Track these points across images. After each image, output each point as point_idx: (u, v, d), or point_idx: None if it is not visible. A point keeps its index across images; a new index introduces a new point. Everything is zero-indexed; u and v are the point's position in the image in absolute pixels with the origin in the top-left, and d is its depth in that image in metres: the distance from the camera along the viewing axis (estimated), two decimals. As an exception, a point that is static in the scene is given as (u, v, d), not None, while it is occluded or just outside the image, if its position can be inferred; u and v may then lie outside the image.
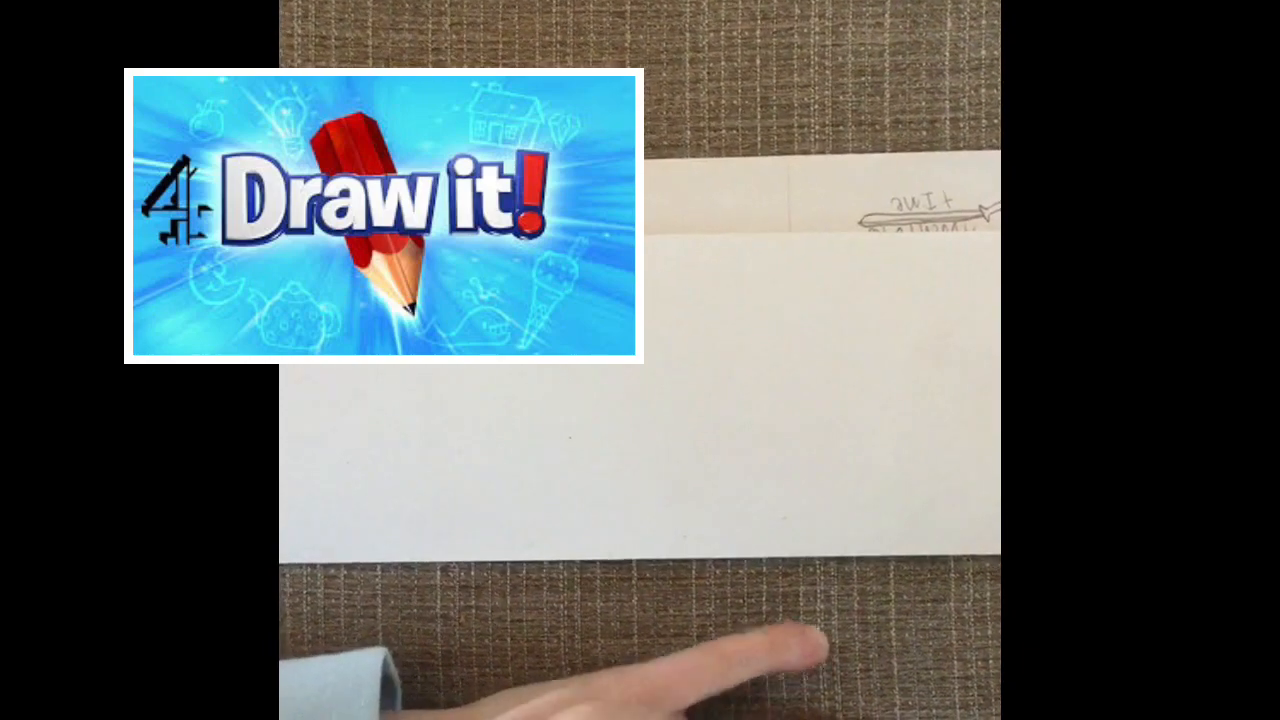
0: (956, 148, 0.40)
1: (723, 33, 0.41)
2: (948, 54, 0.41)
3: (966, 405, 0.39)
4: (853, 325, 0.40)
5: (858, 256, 0.40)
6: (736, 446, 0.40)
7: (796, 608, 0.41)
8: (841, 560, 0.41)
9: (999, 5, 0.40)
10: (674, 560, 0.41)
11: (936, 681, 0.40)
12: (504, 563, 0.41)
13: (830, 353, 0.40)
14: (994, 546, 0.40)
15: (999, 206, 0.40)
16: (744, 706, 0.40)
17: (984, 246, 0.40)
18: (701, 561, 0.41)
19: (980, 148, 0.40)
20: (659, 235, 0.40)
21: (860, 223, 0.40)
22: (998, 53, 0.40)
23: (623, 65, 0.41)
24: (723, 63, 0.41)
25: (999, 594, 0.40)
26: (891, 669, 0.41)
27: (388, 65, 0.41)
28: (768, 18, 0.41)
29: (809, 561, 0.41)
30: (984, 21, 0.40)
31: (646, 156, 0.40)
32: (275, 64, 0.40)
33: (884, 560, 0.40)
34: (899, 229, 0.40)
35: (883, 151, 0.40)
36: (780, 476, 0.40)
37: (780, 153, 0.41)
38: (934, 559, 0.40)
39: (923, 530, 0.40)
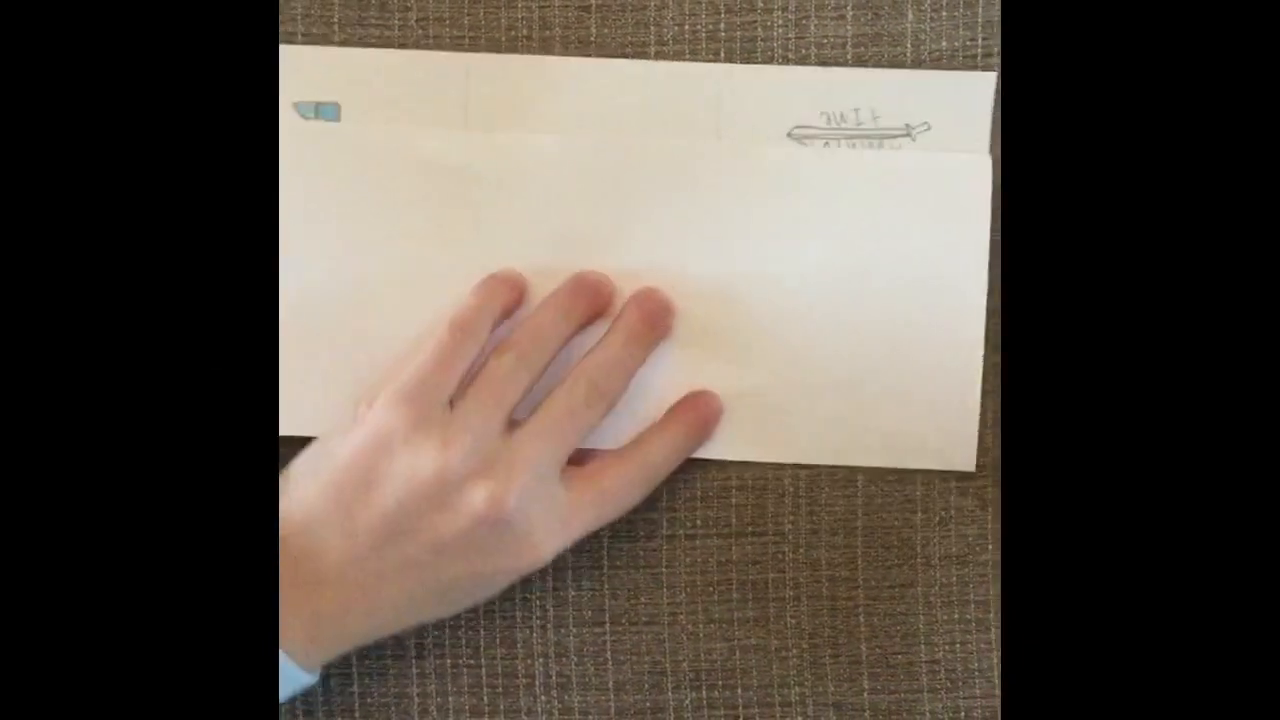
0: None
1: (687, 26, 0.41)
2: (909, 46, 0.41)
3: (897, 326, 0.40)
4: (780, 233, 0.41)
5: (785, 168, 0.41)
6: (672, 357, 0.41)
7: (766, 594, 0.41)
8: (810, 547, 0.41)
9: (960, -3, 0.41)
10: (645, 549, 0.41)
11: (904, 666, 0.41)
12: (476, 554, 0.41)
13: (765, 257, 0.41)
14: (963, 463, 0.41)
15: (927, 126, 0.40)
16: (716, 695, 0.41)
17: (912, 166, 0.40)
18: (672, 550, 0.41)
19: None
20: (586, 133, 0.41)
21: (789, 135, 0.41)
22: (959, 44, 0.41)
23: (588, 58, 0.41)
24: (687, 55, 0.41)
25: (966, 578, 0.41)
26: (860, 654, 0.41)
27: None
28: (731, 11, 0.41)
29: (778, 550, 0.41)
30: (944, 14, 0.41)
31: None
32: (275, 58, 0.40)
33: (852, 547, 0.41)
34: (825, 143, 0.41)
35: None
36: (722, 384, 0.41)
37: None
38: (901, 550, 0.41)
39: (881, 441, 0.41)
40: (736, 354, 0.41)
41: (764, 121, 0.41)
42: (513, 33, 0.41)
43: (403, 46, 0.41)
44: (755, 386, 0.41)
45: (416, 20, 0.41)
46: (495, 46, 0.41)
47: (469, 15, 0.41)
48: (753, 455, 0.41)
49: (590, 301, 0.40)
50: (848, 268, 0.41)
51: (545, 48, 0.41)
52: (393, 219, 0.41)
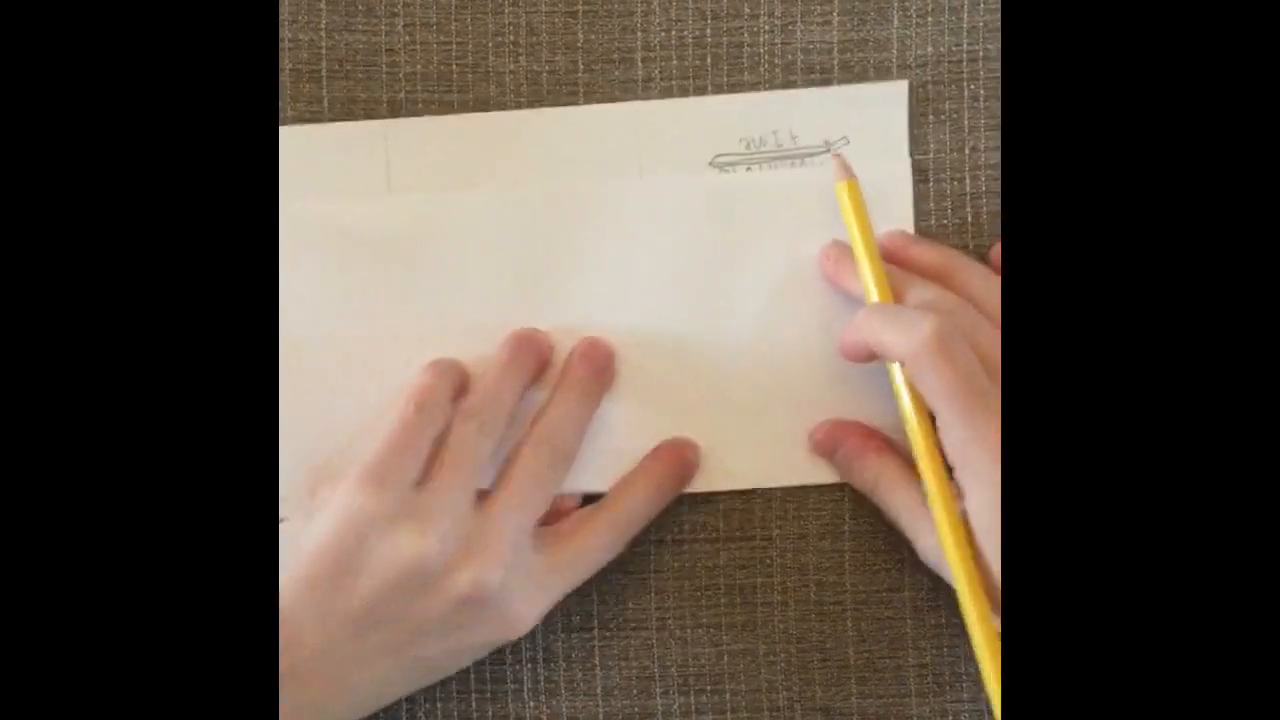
0: (914, 143, 0.41)
1: (673, 32, 0.41)
2: (895, 51, 0.41)
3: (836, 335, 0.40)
4: (709, 262, 0.41)
5: (710, 197, 0.41)
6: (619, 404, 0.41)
7: (754, 599, 0.41)
8: (798, 552, 0.41)
9: (945, 3, 0.41)
10: (633, 554, 0.41)
11: (891, 670, 0.41)
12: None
13: (701, 287, 0.41)
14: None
15: (846, 140, 0.41)
16: (704, 700, 0.41)
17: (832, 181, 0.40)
18: (660, 555, 0.41)
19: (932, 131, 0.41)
20: (508, 186, 0.41)
21: (710, 164, 0.41)
22: (944, 49, 0.41)
23: (575, 65, 0.41)
24: (674, 61, 0.41)
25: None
26: (848, 658, 0.41)
27: (341, 66, 0.41)
28: (718, 17, 0.41)
29: (766, 555, 0.41)
30: (930, 20, 0.41)
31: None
32: (276, 63, 0.40)
33: (839, 552, 0.41)
34: (748, 168, 0.41)
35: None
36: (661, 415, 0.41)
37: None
38: (888, 555, 0.41)
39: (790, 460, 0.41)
40: (686, 389, 0.41)
41: (685, 154, 0.41)
42: (499, 38, 0.41)
43: (390, 51, 0.41)
44: (712, 419, 0.41)
45: (404, 26, 0.41)
46: (482, 52, 0.41)
47: (456, 21, 0.41)
48: (726, 485, 0.41)
49: (533, 356, 0.40)
50: (784, 286, 0.41)
51: (532, 53, 0.41)
52: (325, 295, 0.41)
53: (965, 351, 0.36)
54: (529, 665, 0.41)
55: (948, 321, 0.36)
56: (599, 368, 0.40)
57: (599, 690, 0.41)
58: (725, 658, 0.41)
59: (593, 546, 0.39)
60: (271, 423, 0.31)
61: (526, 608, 0.38)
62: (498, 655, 0.41)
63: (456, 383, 0.40)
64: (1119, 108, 0.30)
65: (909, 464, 0.39)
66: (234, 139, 0.31)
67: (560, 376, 0.40)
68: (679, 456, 0.40)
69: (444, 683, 0.41)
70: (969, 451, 0.35)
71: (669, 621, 0.41)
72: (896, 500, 0.39)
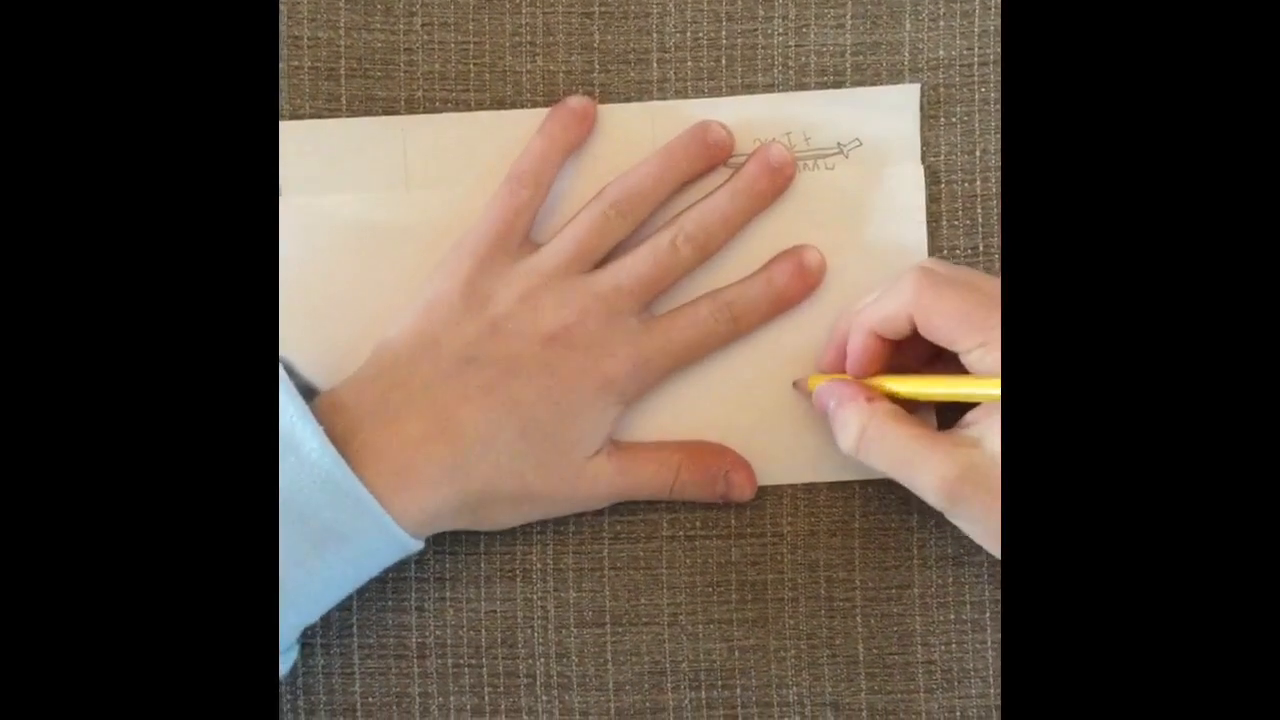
0: (926, 145, 0.41)
1: (689, 33, 0.42)
2: (907, 54, 0.42)
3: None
4: (722, 262, 0.41)
5: None
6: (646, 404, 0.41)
7: (765, 595, 0.41)
8: (808, 548, 0.41)
9: (957, 8, 0.41)
10: (645, 549, 0.41)
11: (901, 666, 0.41)
12: (478, 554, 0.41)
13: (704, 288, 0.41)
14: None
15: (858, 143, 0.41)
16: (715, 695, 0.41)
17: (848, 182, 0.41)
18: (673, 551, 0.42)
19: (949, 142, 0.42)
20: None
21: (726, 165, 0.41)
22: (955, 53, 0.42)
23: (590, 65, 0.42)
24: (689, 63, 0.42)
25: (962, 579, 0.41)
26: (858, 654, 0.41)
27: (359, 64, 0.41)
28: (732, 19, 0.42)
29: (777, 551, 0.41)
30: (942, 23, 0.42)
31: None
32: (275, 64, 0.41)
33: (849, 548, 0.41)
34: None
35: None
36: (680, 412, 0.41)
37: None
38: (898, 552, 0.41)
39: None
40: (697, 389, 0.41)
41: None
42: (517, 38, 0.42)
43: (408, 50, 0.41)
44: (724, 419, 0.41)
45: (422, 25, 0.42)
46: (499, 52, 0.41)
47: (474, 21, 0.42)
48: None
49: (702, 156, 0.41)
50: None
51: (549, 53, 0.42)
52: (344, 286, 0.41)
53: (955, 279, 0.37)
54: (541, 660, 0.41)
55: (927, 269, 0.37)
56: (773, 168, 0.41)
57: (610, 685, 0.41)
58: (736, 653, 0.41)
59: (696, 321, 0.40)
60: (272, 424, 0.32)
61: (616, 362, 0.39)
62: (510, 650, 0.41)
63: (572, 142, 0.41)
64: (1117, 111, 0.31)
65: (902, 410, 0.38)
66: (234, 133, 0.31)
67: (734, 176, 0.41)
68: (798, 263, 0.41)
69: (456, 677, 0.41)
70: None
71: (680, 617, 0.42)
72: (888, 440, 0.37)
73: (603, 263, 0.40)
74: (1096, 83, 0.31)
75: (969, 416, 0.38)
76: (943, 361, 0.38)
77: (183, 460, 0.29)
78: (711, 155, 0.41)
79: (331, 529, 0.36)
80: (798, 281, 0.41)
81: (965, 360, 0.36)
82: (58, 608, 0.28)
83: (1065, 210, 0.31)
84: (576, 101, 0.41)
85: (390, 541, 0.37)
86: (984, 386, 0.36)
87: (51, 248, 0.29)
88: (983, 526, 0.36)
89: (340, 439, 0.36)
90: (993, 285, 0.37)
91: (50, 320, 0.29)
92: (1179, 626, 0.29)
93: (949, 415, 0.39)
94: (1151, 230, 0.30)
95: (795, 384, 0.41)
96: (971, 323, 0.36)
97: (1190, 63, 0.30)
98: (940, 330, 0.36)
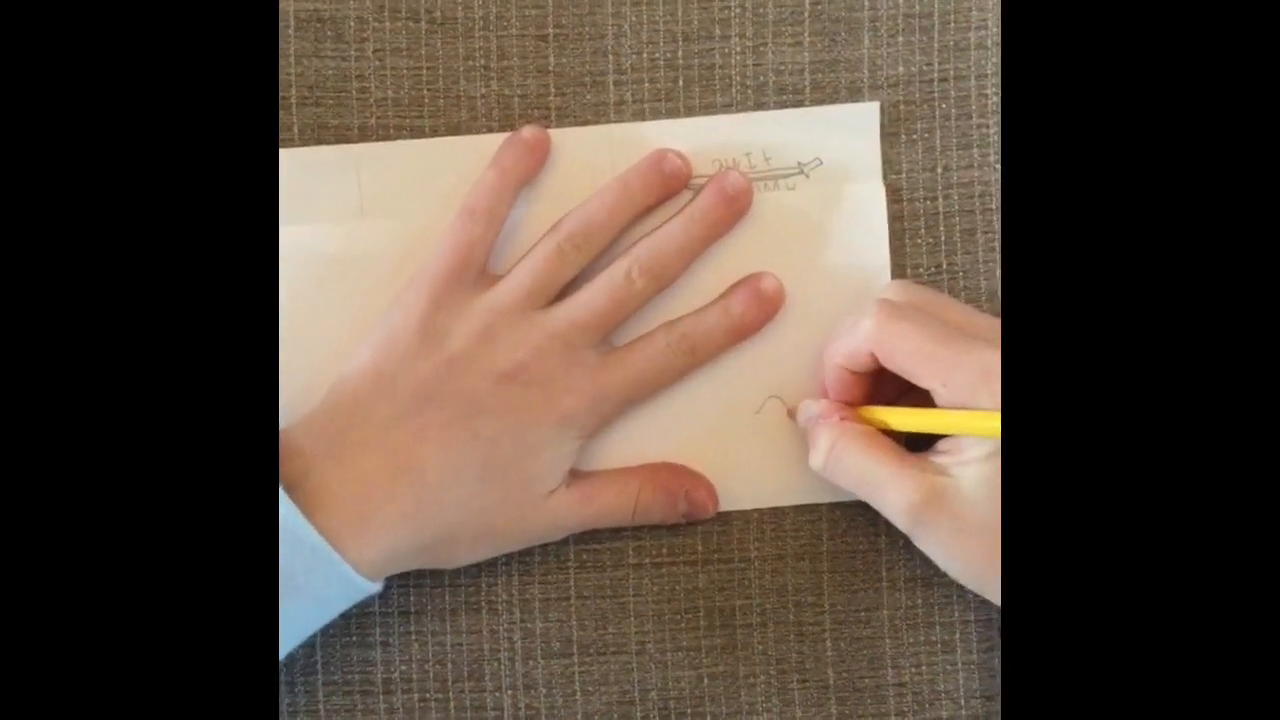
0: (887, 163, 0.41)
1: (645, 54, 0.41)
2: (866, 72, 0.41)
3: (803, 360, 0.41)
4: (682, 285, 0.41)
5: None
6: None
7: (733, 621, 0.41)
8: (776, 573, 0.41)
9: (916, 23, 0.41)
10: (612, 578, 0.41)
11: (871, 689, 0.41)
12: (442, 586, 0.41)
13: (666, 313, 0.40)
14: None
15: (819, 162, 0.41)
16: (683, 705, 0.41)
17: (809, 202, 0.41)
18: (639, 579, 0.41)
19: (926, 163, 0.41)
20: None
21: (687, 187, 0.41)
22: (915, 69, 0.41)
23: (546, 89, 0.41)
24: (646, 84, 0.41)
25: (931, 600, 0.41)
26: (827, 679, 0.41)
27: (310, 93, 0.41)
28: (689, 39, 0.41)
29: (744, 576, 0.41)
30: (900, 39, 0.41)
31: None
32: (275, 79, 0.40)
33: (817, 572, 0.41)
34: None
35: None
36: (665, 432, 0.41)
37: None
38: (866, 574, 0.41)
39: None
40: (663, 414, 0.41)
41: None
42: (470, 63, 0.41)
43: (360, 77, 0.41)
44: (693, 442, 0.41)
45: (373, 51, 0.41)
46: (453, 77, 0.41)
47: (426, 46, 0.41)
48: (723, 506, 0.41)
49: (658, 186, 0.40)
50: None
51: (504, 77, 0.41)
52: (297, 319, 0.40)
53: (918, 314, 0.36)
54: (509, 693, 0.41)
55: (889, 303, 0.37)
56: (730, 196, 0.40)
57: (579, 715, 0.41)
58: (705, 680, 0.41)
59: (653, 354, 0.40)
60: (272, 426, 0.32)
61: (574, 398, 0.38)
62: (477, 683, 0.41)
63: (526, 173, 0.40)
64: (1116, 116, 0.30)
65: (873, 431, 0.38)
66: (235, 159, 0.31)
67: (689, 204, 0.40)
68: (755, 290, 0.40)
69: (424, 712, 0.41)
70: (960, 379, 0.35)
71: (648, 645, 0.41)
72: (856, 459, 0.37)
73: (560, 295, 0.40)
74: (1086, 99, 0.31)
75: (941, 444, 0.37)
76: (916, 391, 0.38)
77: (178, 484, 0.29)
78: (668, 185, 0.40)
79: (288, 576, 0.35)
80: (755, 309, 0.40)
81: (932, 394, 0.36)
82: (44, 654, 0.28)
83: (1066, 248, 0.30)
84: (530, 132, 0.40)
85: (348, 586, 0.36)
86: (983, 421, 0.35)
87: (47, 265, 0.29)
88: (944, 551, 0.36)
89: (292, 481, 0.36)
90: (956, 312, 0.37)
91: (43, 340, 0.29)
92: (1177, 658, 0.29)
93: (922, 436, 0.39)
94: (1154, 233, 0.30)
95: (790, 411, 0.41)
96: (933, 361, 0.35)
97: (1189, 74, 0.30)
98: (902, 368, 0.36)
